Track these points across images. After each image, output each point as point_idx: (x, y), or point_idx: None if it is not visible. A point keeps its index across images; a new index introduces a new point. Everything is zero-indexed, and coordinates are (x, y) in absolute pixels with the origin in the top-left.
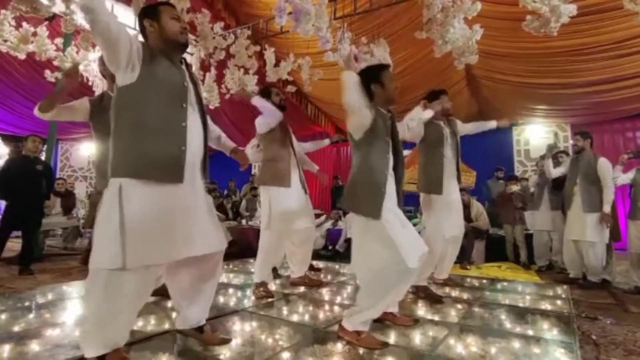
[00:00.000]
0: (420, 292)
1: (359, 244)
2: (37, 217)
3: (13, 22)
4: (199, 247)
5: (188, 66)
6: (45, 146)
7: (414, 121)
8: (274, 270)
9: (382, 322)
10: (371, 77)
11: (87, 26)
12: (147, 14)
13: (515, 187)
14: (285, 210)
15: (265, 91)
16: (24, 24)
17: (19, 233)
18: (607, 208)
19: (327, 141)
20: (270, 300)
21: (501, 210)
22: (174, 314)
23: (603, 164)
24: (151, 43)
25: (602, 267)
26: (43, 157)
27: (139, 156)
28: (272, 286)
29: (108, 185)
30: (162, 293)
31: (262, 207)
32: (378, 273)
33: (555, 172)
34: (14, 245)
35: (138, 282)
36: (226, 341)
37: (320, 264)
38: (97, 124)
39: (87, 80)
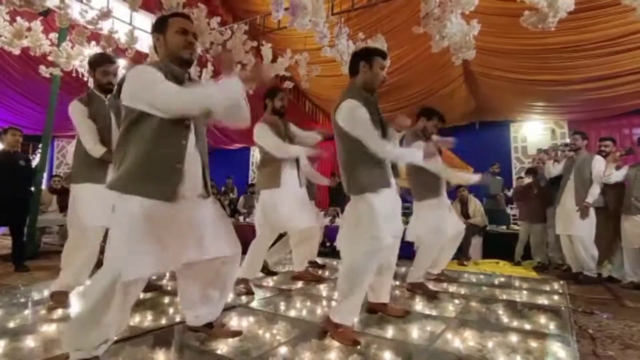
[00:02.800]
0: (417, 289)
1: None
2: (22, 212)
3: (7, 17)
4: (197, 253)
5: (192, 80)
6: (41, 144)
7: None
8: (264, 268)
9: (375, 312)
10: (364, 55)
11: (82, 21)
12: (155, 28)
13: (527, 180)
14: (278, 212)
15: (271, 93)
16: (18, 18)
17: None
18: (590, 200)
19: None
20: (251, 297)
21: (520, 207)
22: (170, 310)
23: (599, 160)
24: (159, 57)
25: (595, 260)
26: (38, 154)
27: (138, 173)
28: (270, 282)
29: (114, 198)
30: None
31: (256, 210)
32: (354, 250)
33: (555, 171)
34: (10, 242)
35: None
36: (237, 334)
37: (318, 260)
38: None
39: (83, 75)
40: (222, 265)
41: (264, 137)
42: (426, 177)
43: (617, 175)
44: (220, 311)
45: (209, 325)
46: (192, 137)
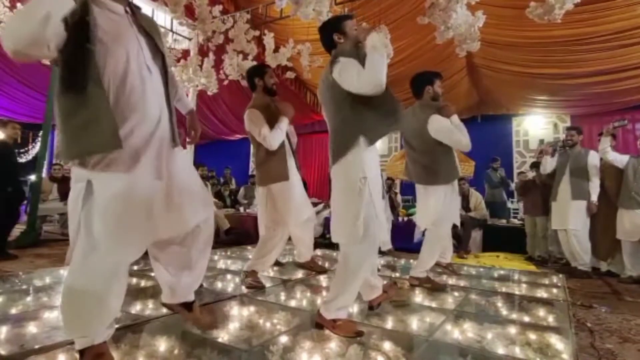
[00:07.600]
0: (424, 284)
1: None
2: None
3: (7, 3)
4: (177, 226)
5: (136, 13)
6: (41, 132)
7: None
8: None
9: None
10: (333, 28)
11: None
12: None
13: (531, 174)
14: (291, 204)
15: (259, 70)
16: (19, 5)
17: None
18: (594, 198)
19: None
20: (260, 289)
21: (524, 201)
22: None
23: (594, 156)
24: None
25: (588, 254)
26: (38, 143)
27: (85, 137)
28: (270, 272)
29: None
30: None
31: (264, 207)
32: (350, 246)
33: (549, 167)
34: (14, 231)
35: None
36: (213, 326)
37: (318, 251)
38: None
39: None
40: (198, 231)
41: (256, 125)
42: (449, 160)
43: (616, 158)
44: (198, 286)
45: (187, 307)
46: (150, 77)
